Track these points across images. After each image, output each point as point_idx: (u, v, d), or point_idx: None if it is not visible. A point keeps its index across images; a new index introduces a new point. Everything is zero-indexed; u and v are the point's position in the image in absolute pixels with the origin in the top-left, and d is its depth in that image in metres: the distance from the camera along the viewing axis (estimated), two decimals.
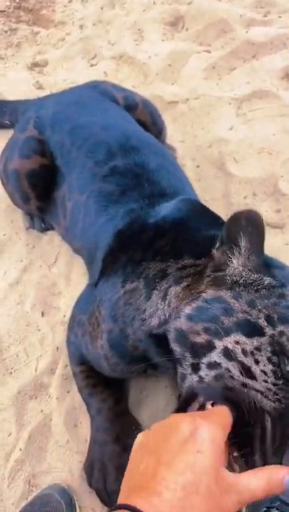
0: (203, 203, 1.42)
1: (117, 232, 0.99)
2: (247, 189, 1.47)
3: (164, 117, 1.47)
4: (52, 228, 1.43)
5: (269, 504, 0.89)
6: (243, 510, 0.95)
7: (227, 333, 0.61)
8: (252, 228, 0.67)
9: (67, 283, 1.36)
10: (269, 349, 0.58)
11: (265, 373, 0.57)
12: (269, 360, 0.57)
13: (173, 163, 1.20)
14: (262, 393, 0.56)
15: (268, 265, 0.71)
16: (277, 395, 0.56)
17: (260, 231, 0.69)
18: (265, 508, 0.88)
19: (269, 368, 0.57)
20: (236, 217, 0.68)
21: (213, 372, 0.60)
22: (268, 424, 0.55)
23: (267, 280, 0.66)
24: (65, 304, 1.31)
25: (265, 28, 1.87)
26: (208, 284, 0.70)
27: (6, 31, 2.02)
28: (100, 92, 1.31)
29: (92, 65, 1.91)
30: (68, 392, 1.16)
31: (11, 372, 1.21)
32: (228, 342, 0.60)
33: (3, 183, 1.38)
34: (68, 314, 1.26)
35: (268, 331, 0.59)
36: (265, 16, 1.94)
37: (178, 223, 0.88)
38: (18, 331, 1.27)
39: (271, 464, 0.53)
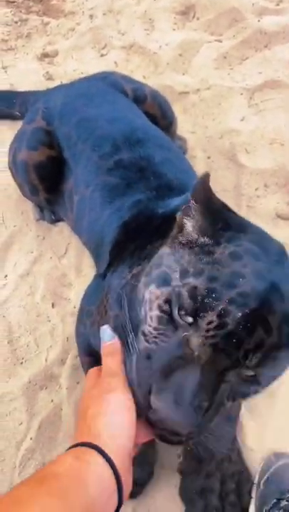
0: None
1: (122, 224, 0.98)
2: (258, 180, 1.45)
3: (174, 108, 1.45)
4: (62, 220, 1.43)
5: (279, 496, 0.89)
6: (253, 501, 0.95)
7: (149, 284, 0.66)
8: (204, 192, 0.65)
9: (78, 274, 1.37)
10: (163, 298, 0.61)
11: (151, 318, 0.62)
12: (159, 307, 0.61)
13: (179, 157, 1.19)
14: (144, 335, 0.63)
15: (226, 226, 0.67)
16: (156, 338, 0.61)
17: (208, 194, 0.66)
18: (275, 500, 0.88)
19: (155, 313, 0.62)
20: (196, 183, 0.67)
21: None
22: (134, 359, 0.63)
23: (202, 239, 0.65)
24: (76, 296, 1.32)
25: (278, 17, 1.83)
26: (166, 243, 0.72)
27: (16, 22, 2.01)
28: (109, 83, 1.30)
29: (102, 55, 1.90)
30: (78, 382, 1.17)
31: (21, 363, 1.22)
32: (147, 293, 0.65)
33: (12, 175, 1.38)
34: (78, 305, 1.27)
35: (174, 282, 0.61)
36: (278, 4, 1.90)
37: None
38: (29, 321, 1.28)
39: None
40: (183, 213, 0.69)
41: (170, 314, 0.60)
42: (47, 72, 1.84)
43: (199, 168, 1.46)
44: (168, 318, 0.60)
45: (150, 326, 0.62)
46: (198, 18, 1.96)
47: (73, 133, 1.15)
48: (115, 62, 1.86)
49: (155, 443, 1.02)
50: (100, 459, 0.54)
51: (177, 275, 0.62)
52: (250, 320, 0.56)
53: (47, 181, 1.24)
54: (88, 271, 1.36)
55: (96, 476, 0.52)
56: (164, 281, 0.63)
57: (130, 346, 0.68)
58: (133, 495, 1.00)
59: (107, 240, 1.02)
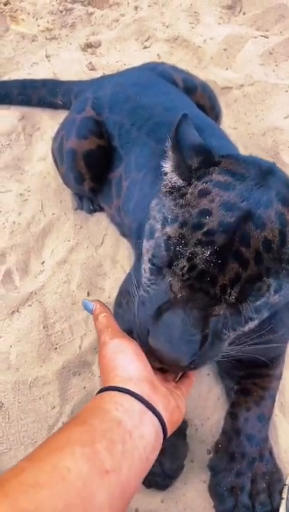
0: None
1: None
2: None
3: None
4: (100, 210, 1.44)
5: None
6: (284, 502, 0.94)
7: (139, 237, 0.72)
8: (176, 128, 0.68)
9: (113, 265, 1.37)
10: (151, 252, 0.66)
11: (145, 270, 0.68)
12: (149, 260, 0.67)
13: (235, 149, 1.18)
14: (142, 285, 0.69)
15: (202, 164, 0.67)
16: (149, 286, 0.67)
17: (181, 131, 0.68)
18: None
19: (148, 266, 0.67)
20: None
21: None
22: (135, 303, 0.72)
23: (178, 182, 0.66)
24: (110, 286, 1.33)
25: None
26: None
27: (61, 11, 2.02)
28: (159, 73, 1.29)
29: (145, 47, 1.89)
30: None
31: (56, 348, 1.24)
32: (143, 246, 0.70)
33: (56, 162, 1.39)
34: (113, 295, 1.28)
35: (157, 234, 0.65)
36: None
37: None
38: (64, 308, 1.29)
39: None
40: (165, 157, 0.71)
41: (158, 265, 0.65)
42: (90, 63, 1.85)
43: None
44: (157, 269, 0.65)
45: (145, 277, 0.68)
46: (244, 13, 1.93)
47: (126, 121, 1.15)
48: (158, 55, 1.86)
49: (186, 437, 1.02)
50: (127, 397, 0.62)
51: (159, 225, 0.65)
52: (220, 256, 0.57)
53: (95, 170, 1.24)
54: (124, 262, 1.37)
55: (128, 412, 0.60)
56: (150, 233, 0.67)
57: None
58: (162, 487, 1.00)
59: None
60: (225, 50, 1.81)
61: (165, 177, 0.70)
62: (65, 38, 1.98)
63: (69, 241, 1.42)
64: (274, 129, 1.55)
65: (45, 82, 1.64)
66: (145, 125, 1.12)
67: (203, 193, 0.61)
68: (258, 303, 0.61)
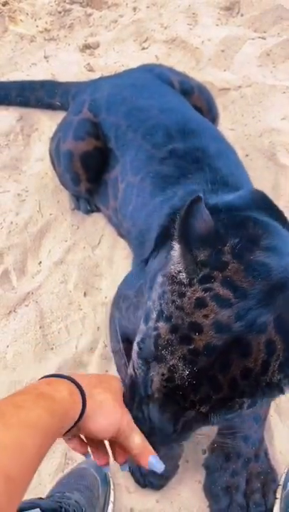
0: None
1: (174, 211, 0.97)
2: None
3: None
4: (97, 210, 1.45)
5: None
6: (278, 501, 0.95)
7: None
8: (183, 217, 0.62)
9: (110, 265, 1.38)
10: (140, 336, 0.66)
11: (134, 350, 0.68)
12: (137, 344, 0.66)
13: (231, 150, 1.18)
14: (132, 362, 0.69)
15: (207, 259, 0.62)
16: (137, 369, 0.67)
17: (188, 219, 0.62)
18: None
19: (136, 348, 0.67)
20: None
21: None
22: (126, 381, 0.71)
23: (182, 275, 0.62)
24: (107, 286, 1.33)
25: None
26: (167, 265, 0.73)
27: (59, 12, 2.03)
28: (156, 75, 1.30)
29: (143, 48, 1.90)
30: (107, 371, 1.19)
31: (52, 348, 1.24)
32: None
33: (53, 163, 1.40)
34: (109, 296, 1.28)
35: (150, 323, 0.64)
36: None
37: (233, 209, 0.84)
38: (61, 308, 1.30)
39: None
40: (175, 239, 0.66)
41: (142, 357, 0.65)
42: (88, 64, 1.85)
43: None
44: (143, 357, 0.65)
45: (134, 356, 0.68)
46: (242, 15, 1.93)
47: (122, 122, 1.16)
48: (156, 56, 1.86)
49: None
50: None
51: (154, 315, 0.64)
52: (197, 378, 0.57)
53: (91, 171, 1.25)
54: (121, 263, 1.37)
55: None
56: (146, 318, 0.66)
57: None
58: (157, 487, 1.01)
59: (155, 225, 1.02)
60: (223, 51, 1.81)
61: (172, 260, 0.65)
62: (64, 38, 1.98)
63: (66, 241, 1.43)
64: (271, 130, 1.56)
65: (43, 84, 1.65)
66: (141, 127, 1.12)
67: (200, 304, 0.58)
68: (228, 416, 0.61)
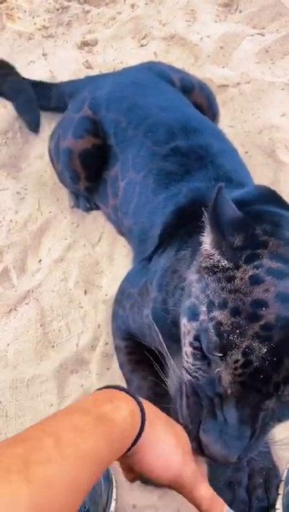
0: None
1: (177, 208, 0.98)
2: None
3: None
4: (96, 208, 1.44)
5: None
6: (280, 497, 0.95)
7: (183, 315, 0.67)
8: (215, 203, 0.64)
9: (110, 263, 1.38)
10: (193, 333, 0.62)
11: (187, 354, 0.64)
12: (190, 344, 0.63)
13: (233, 149, 1.19)
14: (185, 370, 0.65)
15: (245, 242, 0.65)
16: (196, 372, 0.62)
17: (220, 205, 0.65)
18: None
19: (189, 350, 0.63)
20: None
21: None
22: (184, 390, 0.65)
23: (222, 262, 0.63)
24: (107, 284, 1.33)
25: None
26: (193, 265, 0.72)
27: (57, 9, 2.01)
28: (156, 73, 1.29)
29: (142, 45, 1.89)
30: (108, 369, 1.19)
31: (53, 346, 1.24)
32: (182, 324, 0.67)
33: (52, 161, 1.40)
34: (110, 293, 1.28)
35: (202, 317, 0.61)
36: None
37: (243, 203, 0.83)
38: (61, 306, 1.30)
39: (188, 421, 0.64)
40: (204, 231, 0.68)
41: (201, 349, 0.61)
42: (86, 61, 1.85)
43: None
44: (201, 354, 0.61)
45: (188, 362, 0.64)
46: (240, 11, 1.93)
47: (123, 119, 1.16)
48: (155, 53, 1.85)
49: None
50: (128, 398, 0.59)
51: (204, 308, 0.62)
52: (276, 353, 0.55)
53: (90, 169, 1.25)
54: (121, 260, 1.37)
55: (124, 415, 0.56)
56: (193, 314, 0.63)
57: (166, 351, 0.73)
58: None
59: (158, 223, 1.02)
60: (221, 48, 1.81)
61: (204, 252, 0.67)
62: (62, 36, 1.97)
63: (66, 239, 1.43)
64: (270, 127, 1.55)
65: (36, 89, 1.61)
66: (142, 124, 1.12)
67: (256, 281, 0.58)
68: None
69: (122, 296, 1.08)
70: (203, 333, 0.60)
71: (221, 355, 0.58)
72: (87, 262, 1.37)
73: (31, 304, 1.31)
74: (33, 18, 2.01)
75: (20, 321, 1.28)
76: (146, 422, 0.58)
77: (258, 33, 1.84)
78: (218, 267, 0.63)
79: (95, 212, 1.46)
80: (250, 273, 0.60)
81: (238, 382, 0.57)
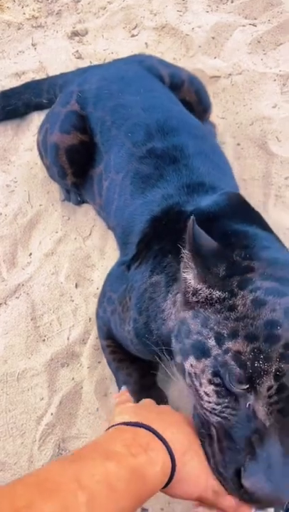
0: (242, 182, 1.40)
1: (152, 218, 0.98)
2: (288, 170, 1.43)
3: None
4: (87, 202, 1.43)
5: None
6: None
7: (187, 355, 0.63)
8: (191, 238, 0.63)
9: (101, 256, 1.37)
10: (210, 371, 0.59)
11: (208, 394, 0.59)
12: (209, 382, 0.59)
13: (214, 148, 1.18)
14: (209, 411, 0.59)
15: (230, 270, 0.65)
16: (223, 412, 0.58)
17: (196, 240, 0.63)
18: None
19: (211, 388, 0.59)
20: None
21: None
22: (214, 433, 0.59)
23: (216, 293, 0.62)
24: (99, 277, 1.32)
25: None
26: (182, 301, 0.70)
27: None
28: (146, 67, 1.28)
29: (133, 36, 1.86)
30: (99, 362, 1.18)
31: (44, 340, 1.24)
32: (187, 365, 0.63)
33: (41, 155, 1.38)
34: (101, 287, 1.28)
35: (214, 351, 0.59)
36: None
37: (212, 219, 0.85)
38: (52, 300, 1.29)
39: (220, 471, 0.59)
40: (182, 267, 0.67)
41: (224, 385, 0.58)
42: (76, 51, 1.82)
43: (228, 156, 1.44)
44: (225, 390, 0.57)
45: (210, 402, 0.59)
46: (232, 1, 1.90)
47: (108, 118, 1.15)
48: (146, 43, 1.83)
49: None
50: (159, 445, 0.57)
51: (213, 342, 0.59)
52: None
53: (76, 165, 1.24)
54: (112, 253, 1.36)
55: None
56: (202, 351, 0.60)
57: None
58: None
59: (137, 230, 1.03)
60: (213, 38, 1.79)
61: (190, 288, 0.66)
62: (52, 26, 1.94)
63: (57, 232, 1.41)
64: (262, 118, 1.54)
65: (26, 85, 1.60)
66: (124, 125, 1.11)
67: (259, 303, 0.58)
68: None
69: (104, 298, 1.08)
70: (222, 367, 0.57)
71: (247, 386, 0.55)
72: (79, 256, 1.37)
73: (22, 297, 1.30)
74: (22, 7, 1.98)
75: (10, 315, 1.27)
76: (177, 468, 0.56)
77: (250, 24, 1.82)
78: (212, 299, 0.63)
79: (86, 206, 1.45)
80: (250, 297, 0.59)
81: (275, 411, 0.53)
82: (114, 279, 1.09)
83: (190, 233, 0.62)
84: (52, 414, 1.12)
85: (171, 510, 0.99)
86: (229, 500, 0.58)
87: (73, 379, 1.17)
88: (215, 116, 1.58)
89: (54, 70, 1.73)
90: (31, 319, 1.26)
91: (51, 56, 1.81)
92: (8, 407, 1.14)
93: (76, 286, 1.31)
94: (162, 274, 0.84)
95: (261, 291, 0.59)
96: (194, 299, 0.65)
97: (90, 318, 1.25)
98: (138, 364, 1.04)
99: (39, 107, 1.60)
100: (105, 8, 1.97)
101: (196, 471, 0.58)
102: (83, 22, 1.94)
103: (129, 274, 0.99)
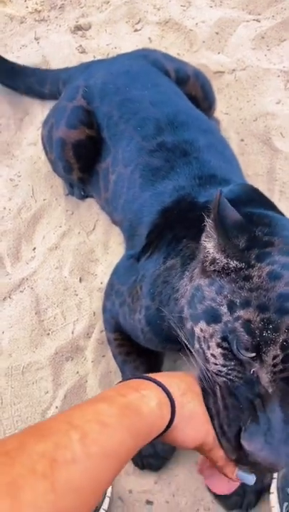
0: (246, 177, 1.40)
1: (163, 208, 0.98)
2: None
3: None
4: (91, 196, 1.43)
5: None
6: (274, 480, 0.97)
7: (197, 320, 0.65)
8: (217, 208, 0.64)
9: (105, 251, 1.37)
10: (219, 336, 0.61)
11: (214, 356, 0.62)
12: (218, 345, 0.61)
13: (222, 142, 1.18)
14: (215, 373, 0.62)
15: (250, 243, 0.66)
16: (229, 374, 0.60)
17: (221, 210, 0.64)
18: None
19: (218, 351, 0.61)
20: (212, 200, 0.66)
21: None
22: (218, 392, 0.62)
23: (233, 263, 0.63)
24: (103, 272, 1.33)
25: None
26: (199, 270, 0.72)
27: None
28: (151, 62, 1.27)
29: (136, 30, 1.86)
30: (104, 356, 1.19)
31: (48, 334, 1.24)
32: (197, 329, 0.65)
33: (45, 149, 1.38)
34: (105, 281, 1.28)
35: (225, 317, 0.61)
36: None
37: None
38: (56, 294, 1.29)
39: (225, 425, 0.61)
40: (204, 236, 0.68)
41: (231, 350, 0.59)
42: (80, 46, 1.81)
43: None
44: (232, 354, 0.59)
45: (217, 364, 0.61)
46: None
47: (115, 112, 1.15)
48: (149, 38, 1.83)
49: None
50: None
51: (225, 309, 0.61)
52: None
53: (83, 160, 1.24)
54: (116, 248, 1.37)
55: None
56: (213, 317, 0.62)
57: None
58: (155, 468, 1.02)
59: (146, 222, 1.02)
60: (217, 33, 1.79)
61: (209, 256, 0.67)
62: (55, 20, 1.93)
63: (60, 227, 1.42)
64: (266, 114, 1.55)
65: (34, 71, 1.60)
66: (132, 119, 1.11)
67: (275, 276, 0.59)
68: None
69: (111, 291, 1.08)
70: (230, 333, 0.59)
71: (253, 354, 0.57)
72: (82, 250, 1.37)
73: (26, 291, 1.30)
74: (25, 1, 1.97)
75: (15, 309, 1.27)
76: (176, 408, 0.57)
77: (253, 19, 1.82)
78: (229, 268, 0.64)
79: (89, 200, 1.45)
80: (266, 270, 0.60)
81: (279, 379, 0.55)
82: (123, 271, 1.09)
83: (216, 203, 0.63)
84: (57, 407, 1.13)
85: (176, 503, 1.00)
86: (222, 452, 0.60)
87: (78, 373, 1.17)
88: (219, 111, 1.58)
89: (57, 64, 1.73)
90: (35, 313, 1.26)
91: (54, 50, 1.80)
92: (13, 401, 1.14)
93: (80, 280, 1.32)
94: (178, 257, 0.84)
95: (278, 265, 0.60)
96: (212, 267, 0.67)
97: (94, 312, 1.25)
98: (145, 357, 1.05)
99: (39, 96, 1.60)
100: (108, 2, 1.96)
101: (198, 410, 0.60)
102: (86, 16, 1.94)
103: (139, 265, 0.99)
